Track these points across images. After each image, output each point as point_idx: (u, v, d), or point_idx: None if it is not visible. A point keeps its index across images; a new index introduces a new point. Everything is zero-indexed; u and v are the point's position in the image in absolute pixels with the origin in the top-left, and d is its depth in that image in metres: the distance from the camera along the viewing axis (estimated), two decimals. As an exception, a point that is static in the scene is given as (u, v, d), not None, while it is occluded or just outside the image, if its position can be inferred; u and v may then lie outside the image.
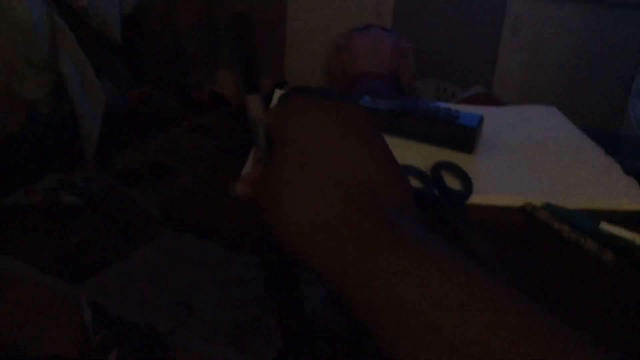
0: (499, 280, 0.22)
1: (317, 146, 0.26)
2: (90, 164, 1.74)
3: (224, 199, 0.47)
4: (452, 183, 0.48)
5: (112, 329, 1.14)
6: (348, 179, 0.25)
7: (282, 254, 0.28)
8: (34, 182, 1.67)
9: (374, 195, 0.25)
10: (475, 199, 0.46)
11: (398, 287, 0.22)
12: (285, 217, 0.25)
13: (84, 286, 1.29)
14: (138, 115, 2.14)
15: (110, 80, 1.91)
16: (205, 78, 2.61)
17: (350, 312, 0.24)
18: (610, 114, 2.00)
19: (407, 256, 0.22)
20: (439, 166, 0.50)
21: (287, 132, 0.27)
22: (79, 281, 1.31)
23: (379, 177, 0.26)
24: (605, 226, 0.43)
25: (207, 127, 2.24)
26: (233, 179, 0.35)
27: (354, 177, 0.25)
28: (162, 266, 1.39)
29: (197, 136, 2.18)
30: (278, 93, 0.60)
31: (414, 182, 0.48)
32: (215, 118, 2.35)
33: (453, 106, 0.61)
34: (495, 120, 0.61)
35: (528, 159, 0.54)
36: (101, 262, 1.38)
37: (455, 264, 0.22)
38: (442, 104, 0.62)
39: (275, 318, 1.20)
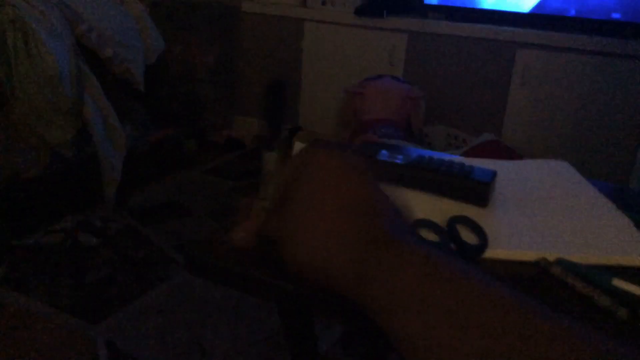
0: (497, 282, 0.24)
1: (328, 182, 0.31)
2: (109, 204, 1.78)
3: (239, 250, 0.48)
4: (468, 237, 0.50)
5: None
6: (353, 208, 0.30)
7: (297, 299, 0.32)
8: (54, 222, 1.71)
9: (379, 214, 0.30)
10: (490, 253, 0.48)
11: (407, 279, 0.24)
12: (304, 237, 0.30)
13: (100, 325, 1.31)
14: (156, 157, 2.20)
15: (131, 123, 1.98)
16: (221, 122, 2.69)
17: (370, 319, 0.26)
18: (617, 164, 2.01)
19: (412, 254, 0.26)
20: (454, 220, 0.52)
21: (303, 171, 0.32)
22: (95, 320, 1.32)
23: (381, 204, 0.31)
24: (618, 282, 0.44)
25: (223, 169, 2.28)
26: (231, 229, 0.39)
27: (359, 203, 0.30)
28: (176, 305, 1.40)
29: (212, 177, 2.22)
30: (299, 145, 0.63)
31: (430, 236, 0.50)
32: (230, 160, 2.40)
33: (467, 160, 0.64)
34: (508, 175, 0.64)
35: (541, 214, 0.56)
36: (117, 301, 1.40)
37: (455, 264, 0.25)
38: (457, 158, 0.64)
39: (288, 357, 1.19)
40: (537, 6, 2.18)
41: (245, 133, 2.61)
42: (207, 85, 2.54)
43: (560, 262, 0.47)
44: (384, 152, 0.63)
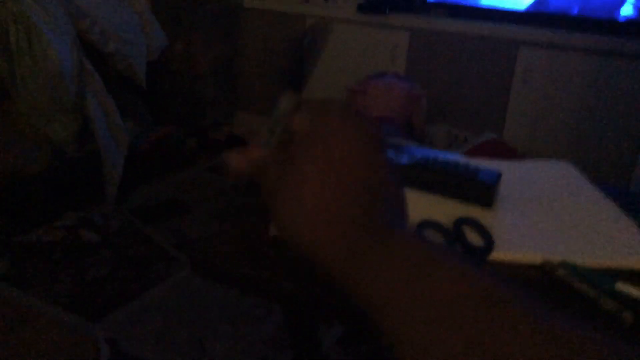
0: (494, 277, 0.23)
1: (340, 151, 0.29)
2: (110, 201, 1.78)
3: (242, 244, 0.48)
4: (474, 238, 0.50)
5: None
6: (355, 189, 0.28)
7: (301, 301, 0.30)
8: (55, 219, 1.71)
9: (380, 201, 0.28)
10: (495, 255, 0.48)
11: (399, 273, 0.24)
12: (299, 207, 0.28)
13: (100, 322, 1.31)
14: (157, 155, 2.20)
15: (133, 120, 1.98)
16: (222, 119, 2.69)
17: (350, 302, 0.25)
18: (619, 164, 2.01)
19: (407, 247, 0.25)
20: (460, 221, 0.52)
21: (317, 129, 0.30)
22: (95, 317, 1.32)
23: (386, 189, 0.29)
24: (622, 286, 0.44)
25: (224, 167, 2.28)
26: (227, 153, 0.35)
27: (365, 183, 0.28)
28: (177, 304, 1.40)
29: (213, 175, 2.22)
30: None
31: (437, 237, 0.50)
32: (231, 158, 2.39)
33: (471, 161, 0.64)
34: (512, 176, 0.64)
35: (545, 216, 0.56)
36: (117, 299, 1.40)
37: (449, 256, 0.24)
38: (461, 159, 0.65)
39: (291, 356, 1.20)
40: (536, 2, 2.17)
41: (246, 130, 2.61)
42: (208, 83, 2.53)
43: (564, 265, 0.47)
44: (389, 152, 0.63)
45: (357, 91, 2.15)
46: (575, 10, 2.12)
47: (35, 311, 1.33)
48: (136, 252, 1.60)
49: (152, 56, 2.01)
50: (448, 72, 2.30)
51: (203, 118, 2.52)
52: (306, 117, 0.31)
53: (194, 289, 1.45)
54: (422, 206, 0.56)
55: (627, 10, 2.03)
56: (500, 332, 0.20)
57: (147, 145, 2.14)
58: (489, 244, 0.49)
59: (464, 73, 2.27)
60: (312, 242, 0.27)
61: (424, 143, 2.12)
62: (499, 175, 0.59)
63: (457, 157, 0.65)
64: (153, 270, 1.52)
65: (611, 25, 2.04)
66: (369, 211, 0.27)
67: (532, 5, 2.17)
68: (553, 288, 0.46)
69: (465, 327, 0.21)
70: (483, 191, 0.57)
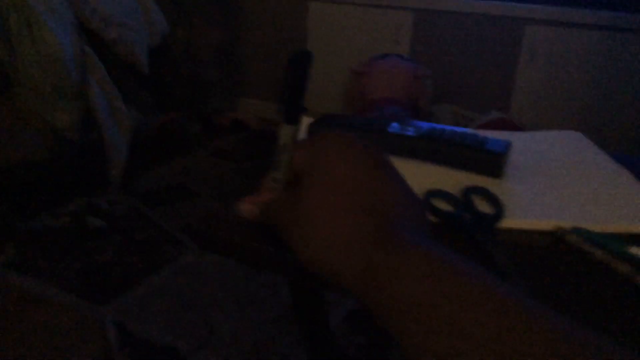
0: (504, 284, 0.24)
1: (343, 177, 0.30)
2: (115, 187, 1.78)
3: (247, 223, 0.48)
4: (483, 207, 0.49)
5: (136, 348, 1.15)
6: (368, 204, 0.29)
7: (308, 274, 0.31)
8: (61, 205, 1.71)
9: (391, 216, 0.29)
10: (505, 222, 0.47)
11: (413, 285, 0.24)
12: (314, 234, 0.29)
13: (108, 306, 1.31)
14: (161, 140, 2.20)
15: (136, 107, 1.97)
16: (226, 104, 2.67)
17: (373, 317, 0.26)
18: (627, 141, 1.99)
19: (421, 258, 0.25)
20: (469, 190, 0.51)
21: (318, 162, 0.32)
22: (103, 301, 1.33)
23: (396, 202, 0.30)
24: (634, 249, 0.43)
25: (227, 151, 2.28)
26: (239, 199, 0.39)
27: (372, 202, 0.30)
28: (184, 286, 1.40)
29: (217, 160, 2.22)
30: (306, 120, 0.62)
31: (445, 206, 0.49)
32: (235, 142, 2.39)
33: (479, 132, 0.63)
34: (522, 146, 0.63)
35: (556, 183, 0.55)
36: (124, 283, 1.40)
37: (464, 266, 0.25)
38: (468, 130, 0.63)
39: (297, 335, 1.20)
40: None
41: (250, 115, 2.60)
42: (211, 67, 2.52)
43: (576, 230, 0.46)
44: (394, 124, 0.62)
45: (361, 73, 2.13)
46: (582, -14, 2.08)
47: (42, 296, 1.34)
48: (142, 236, 1.60)
49: (154, 42, 1.99)
50: (453, 51, 2.27)
51: (206, 103, 2.51)
52: (305, 154, 0.33)
53: (200, 271, 1.46)
54: (429, 178, 0.55)
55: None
56: (521, 346, 0.20)
57: (152, 131, 2.14)
58: (499, 211, 0.48)
59: (469, 52, 2.24)
60: (330, 265, 0.28)
61: (429, 124, 2.10)
62: (508, 144, 0.58)
63: (464, 130, 0.64)
64: (159, 253, 1.53)
65: (617, 1, 2.01)
66: (380, 227, 0.28)
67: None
68: (565, 254, 0.45)
69: (487, 342, 0.21)
70: (492, 160, 0.56)
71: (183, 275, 1.46)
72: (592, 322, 0.37)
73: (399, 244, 0.27)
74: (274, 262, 0.44)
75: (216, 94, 2.57)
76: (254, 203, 0.37)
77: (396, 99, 1.99)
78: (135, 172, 1.94)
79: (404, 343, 0.24)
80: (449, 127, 0.62)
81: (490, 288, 0.23)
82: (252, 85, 2.73)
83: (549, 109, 2.15)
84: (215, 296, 1.37)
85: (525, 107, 2.18)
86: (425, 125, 0.62)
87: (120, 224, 1.67)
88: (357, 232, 0.28)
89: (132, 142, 1.81)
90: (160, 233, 1.63)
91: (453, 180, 0.54)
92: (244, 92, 2.76)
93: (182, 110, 2.34)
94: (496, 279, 0.24)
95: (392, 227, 0.28)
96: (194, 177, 2.03)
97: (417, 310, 0.23)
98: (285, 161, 0.36)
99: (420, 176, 0.54)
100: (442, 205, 0.49)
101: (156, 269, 1.47)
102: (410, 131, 0.60)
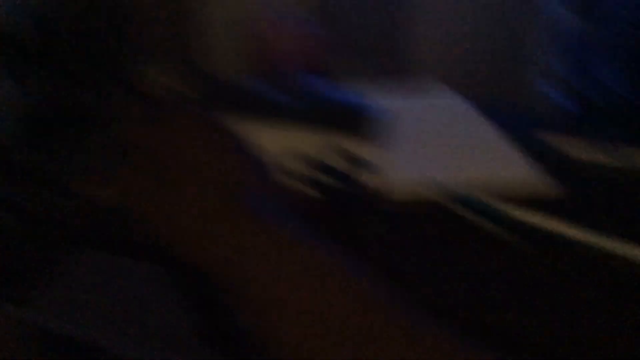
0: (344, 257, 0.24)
1: (187, 163, 0.29)
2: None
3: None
4: (343, 166, 0.46)
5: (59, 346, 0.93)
6: (212, 181, 0.29)
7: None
8: None
9: (233, 191, 0.28)
10: (374, 182, 0.43)
11: (246, 260, 0.25)
12: (164, 220, 0.28)
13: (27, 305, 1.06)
14: None
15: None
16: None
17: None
18: (507, 85, 2.02)
19: (259, 231, 0.26)
20: (328, 150, 0.43)
21: (162, 148, 0.30)
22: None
23: (240, 171, 0.30)
24: (519, 214, 0.38)
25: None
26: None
27: (216, 181, 0.29)
28: (99, 277, 1.18)
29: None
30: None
31: (301, 168, 0.41)
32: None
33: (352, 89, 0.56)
34: (399, 110, 0.57)
35: (431, 147, 0.52)
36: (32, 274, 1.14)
37: (299, 238, 0.25)
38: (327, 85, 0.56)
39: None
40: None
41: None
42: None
43: (458, 198, 0.40)
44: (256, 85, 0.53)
45: (258, 35, 2.02)
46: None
47: None
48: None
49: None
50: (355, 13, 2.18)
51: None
52: (156, 134, 0.30)
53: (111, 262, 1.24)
54: (287, 140, 0.46)
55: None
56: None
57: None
58: (360, 169, 0.41)
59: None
60: (192, 242, 0.27)
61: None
62: (366, 98, 0.51)
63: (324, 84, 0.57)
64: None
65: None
66: (225, 202, 0.27)
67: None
68: (445, 222, 0.41)
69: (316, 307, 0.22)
70: (352, 115, 0.48)
71: (93, 265, 1.23)
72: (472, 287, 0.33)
73: (241, 215, 0.27)
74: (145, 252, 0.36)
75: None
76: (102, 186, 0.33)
77: (293, 62, 1.93)
78: None
79: (244, 319, 0.24)
80: (311, 88, 0.55)
81: (329, 261, 0.24)
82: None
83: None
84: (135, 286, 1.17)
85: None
86: (297, 89, 0.55)
87: None
88: (203, 207, 0.28)
89: None
90: None
91: (315, 140, 0.46)
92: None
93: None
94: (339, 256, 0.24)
95: (236, 199, 0.28)
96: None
97: (255, 280, 0.24)
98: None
99: (279, 139, 0.45)
100: (298, 167, 0.41)
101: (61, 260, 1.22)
102: (273, 95, 0.52)
